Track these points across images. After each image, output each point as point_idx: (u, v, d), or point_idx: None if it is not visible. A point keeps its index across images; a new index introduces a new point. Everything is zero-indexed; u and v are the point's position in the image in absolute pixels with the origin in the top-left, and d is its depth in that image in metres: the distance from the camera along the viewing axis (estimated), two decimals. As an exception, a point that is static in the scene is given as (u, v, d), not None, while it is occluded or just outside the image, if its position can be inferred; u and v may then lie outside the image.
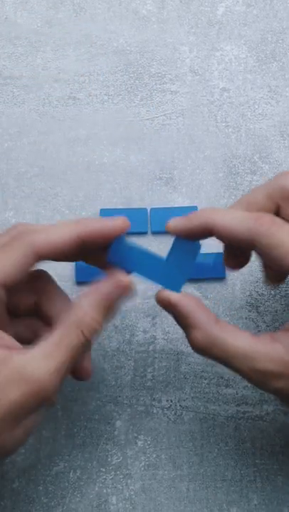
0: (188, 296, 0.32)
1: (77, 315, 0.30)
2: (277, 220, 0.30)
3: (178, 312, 0.32)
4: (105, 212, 0.41)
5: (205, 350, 0.31)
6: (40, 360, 0.28)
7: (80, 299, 0.30)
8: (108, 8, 0.44)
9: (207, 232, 0.31)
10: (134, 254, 0.33)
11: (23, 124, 0.42)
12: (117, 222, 0.31)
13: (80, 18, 0.44)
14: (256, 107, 0.43)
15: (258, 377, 0.30)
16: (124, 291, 0.31)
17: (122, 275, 0.31)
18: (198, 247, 0.33)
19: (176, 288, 0.33)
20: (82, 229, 0.30)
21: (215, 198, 0.42)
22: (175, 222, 0.32)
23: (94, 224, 0.31)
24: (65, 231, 0.30)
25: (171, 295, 0.32)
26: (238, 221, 0.30)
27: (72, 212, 0.41)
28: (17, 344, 0.30)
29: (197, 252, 0.34)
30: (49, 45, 0.43)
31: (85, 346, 0.30)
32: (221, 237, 0.31)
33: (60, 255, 0.31)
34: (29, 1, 0.44)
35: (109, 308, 0.31)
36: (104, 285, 0.31)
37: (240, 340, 0.30)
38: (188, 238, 0.32)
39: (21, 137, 0.42)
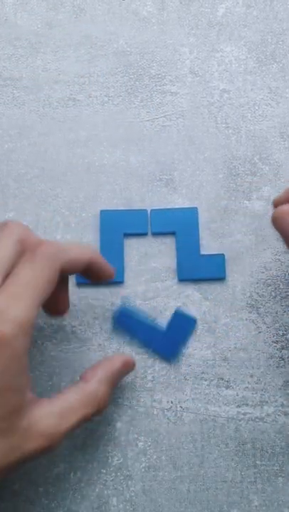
0: None
1: (89, 389, 0.33)
2: None
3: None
4: (106, 214, 0.41)
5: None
6: (55, 419, 0.31)
7: (91, 372, 0.34)
8: (108, 9, 0.44)
9: None
10: (136, 324, 0.39)
11: (23, 126, 0.42)
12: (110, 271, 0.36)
13: (80, 20, 0.44)
14: (256, 108, 0.43)
15: None
16: (130, 368, 0.37)
17: (128, 356, 0.37)
18: (195, 321, 0.39)
19: (173, 357, 0.39)
20: (94, 256, 0.34)
21: (215, 199, 0.42)
22: (278, 197, 0.35)
23: (101, 259, 0.35)
24: (83, 253, 0.34)
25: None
26: None
27: (72, 213, 0.41)
28: (31, 393, 0.32)
29: (193, 326, 0.39)
30: (49, 46, 0.43)
31: (95, 412, 0.33)
32: None
33: (73, 272, 0.34)
34: (29, 2, 0.44)
35: (117, 382, 0.36)
36: (115, 363, 0.36)
37: None
38: None
39: (21, 138, 0.42)
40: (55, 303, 0.35)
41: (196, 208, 0.41)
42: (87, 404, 0.33)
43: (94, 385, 0.33)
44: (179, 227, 0.41)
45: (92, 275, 0.36)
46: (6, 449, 0.29)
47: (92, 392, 0.33)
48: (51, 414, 0.31)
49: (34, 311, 0.29)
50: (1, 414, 0.29)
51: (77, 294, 0.41)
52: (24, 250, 0.31)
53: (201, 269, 0.41)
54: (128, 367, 0.37)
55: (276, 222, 0.34)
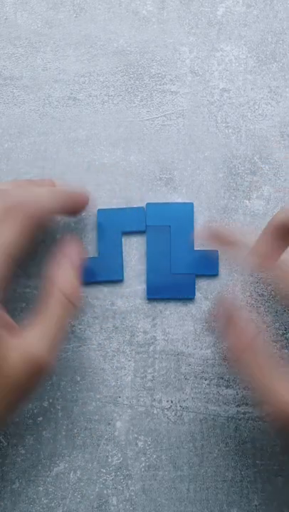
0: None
1: (57, 285, 0.33)
2: None
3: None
4: (102, 213, 0.41)
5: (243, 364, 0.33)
6: (38, 342, 0.32)
7: (52, 271, 0.34)
8: (108, 8, 0.44)
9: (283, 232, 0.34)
10: None
11: (23, 125, 0.42)
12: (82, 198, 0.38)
13: (80, 19, 0.44)
14: (256, 107, 0.43)
15: None
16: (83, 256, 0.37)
17: (79, 246, 0.37)
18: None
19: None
20: (61, 200, 0.36)
21: (215, 198, 0.42)
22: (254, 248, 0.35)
23: (68, 196, 0.37)
24: (52, 202, 0.35)
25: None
26: None
27: (72, 212, 0.41)
28: (13, 323, 0.33)
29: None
30: (49, 45, 0.43)
31: (71, 310, 0.33)
32: None
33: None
34: (29, 1, 0.44)
35: (79, 270, 0.35)
36: (72, 252, 0.36)
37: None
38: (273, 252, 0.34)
39: (21, 138, 0.42)
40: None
41: (192, 203, 0.41)
42: (57, 305, 0.33)
43: (57, 282, 0.34)
44: (174, 221, 0.41)
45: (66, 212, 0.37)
46: None
47: (57, 290, 0.34)
48: (32, 340, 0.32)
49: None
50: None
51: (77, 293, 0.41)
52: None
53: (194, 264, 0.40)
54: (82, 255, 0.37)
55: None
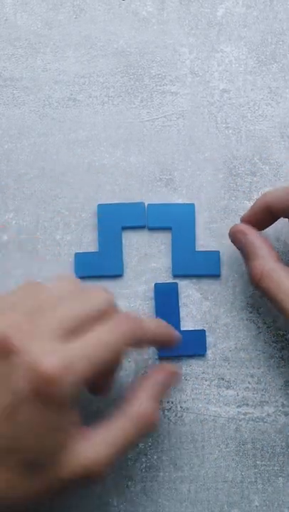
0: (257, 232, 0.37)
1: (138, 409, 0.32)
2: None
3: (247, 239, 0.37)
4: (103, 208, 0.41)
5: (261, 279, 0.35)
6: (96, 448, 0.30)
7: (137, 391, 0.33)
8: (108, 9, 0.44)
9: (267, 210, 0.37)
10: None
11: (23, 126, 0.42)
12: None
13: (79, 20, 0.44)
14: (256, 108, 0.43)
15: None
16: (176, 380, 0.35)
17: (172, 366, 0.36)
18: (176, 285, 0.40)
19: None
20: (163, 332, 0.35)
21: (215, 199, 0.42)
22: (243, 216, 0.38)
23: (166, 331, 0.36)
24: (159, 333, 0.35)
25: (245, 226, 0.38)
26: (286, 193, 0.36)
27: (72, 213, 0.41)
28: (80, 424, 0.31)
29: (176, 290, 0.40)
30: (49, 46, 0.43)
31: (143, 432, 0.32)
32: (277, 210, 0.36)
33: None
34: (29, 2, 0.44)
35: (162, 395, 0.34)
36: (160, 376, 0.34)
37: None
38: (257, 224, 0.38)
39: (21, 139, 0.42)
40: (102, 380, 0.35)
41: (193, 204, 0.41)
42: (133, 426, 0.31)
43: (137, 406, 0.32)
44: (175, 222, 0.41)
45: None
46: (46, 482, 0.29)
47: (137, 412, 0.32)
48: (93, 444, 0.30)
49: (89, 369, 0.29)
50: (46, 451, 0.29)
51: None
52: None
53: (195, 265, 0.41)
54: (172, 378, 0.35)
55: (230, 238, 0.38)
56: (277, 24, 0.43)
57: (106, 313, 0.31)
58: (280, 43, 0.43)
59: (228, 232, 0.38)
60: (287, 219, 0.37)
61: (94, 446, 0.30)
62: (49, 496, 0.30)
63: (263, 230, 0.38)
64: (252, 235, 0.37)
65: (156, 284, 0.40)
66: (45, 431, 0.29)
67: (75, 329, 0.30)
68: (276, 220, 0.38)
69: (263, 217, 0.37)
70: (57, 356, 0.28)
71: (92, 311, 0.31)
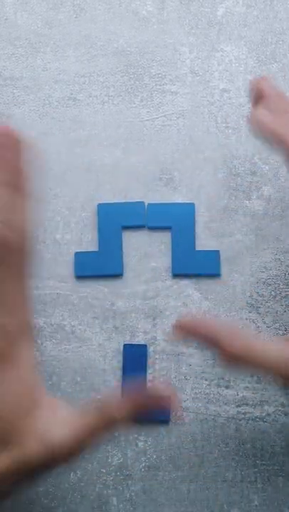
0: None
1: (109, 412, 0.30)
2: None
3: (207, 330, 0.32)
4: (102, 207, 0.41)
5: (241, 356, 0.31)
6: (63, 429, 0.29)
7: (113, 402, 0.30)
8: (108, 9, 0.44)
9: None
10: None
11: (23, 125, 0.42)
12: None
13: (80, 19, 0.44)
14: (256, 107, 0.43)
15: None
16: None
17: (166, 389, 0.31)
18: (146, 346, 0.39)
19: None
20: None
21: (215, 198, 0.42)
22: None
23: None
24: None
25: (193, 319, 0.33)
26: None
27: (71, 213, 0.41)
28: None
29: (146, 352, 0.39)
30: (49, 46, 0.43)
31: (110, 427, 0.30)
32: None
33: None
34: (29, 2, 0.44)
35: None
36: (142, 398, 0.30)
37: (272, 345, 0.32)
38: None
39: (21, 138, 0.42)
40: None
41: (193, 203, 0.41)
42: (99, 411, 0.30)
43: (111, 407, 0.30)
44: (175, 222, 0.41)
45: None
46: (9, 459, 0.28)
47: (104, 402, 0.30)
48: (58, 419, 0.30)
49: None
50: (10, 419, 0.28)
51: (77, 293, 0.41)
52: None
53: (195, 264, 0.41)
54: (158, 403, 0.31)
55: (253, 128, 0.35)
56: (277, 24, 0.43)
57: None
58: (280, 42, 0.43)
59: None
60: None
61: (59, 422, 0.29)
62: (14, 476, 0.29)
63: None
64: (210, 323, 0.33)
65: (125, 345, 0.40)
66: (9, 394, 0.28)
67: None
68: None
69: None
70: None
71: None
